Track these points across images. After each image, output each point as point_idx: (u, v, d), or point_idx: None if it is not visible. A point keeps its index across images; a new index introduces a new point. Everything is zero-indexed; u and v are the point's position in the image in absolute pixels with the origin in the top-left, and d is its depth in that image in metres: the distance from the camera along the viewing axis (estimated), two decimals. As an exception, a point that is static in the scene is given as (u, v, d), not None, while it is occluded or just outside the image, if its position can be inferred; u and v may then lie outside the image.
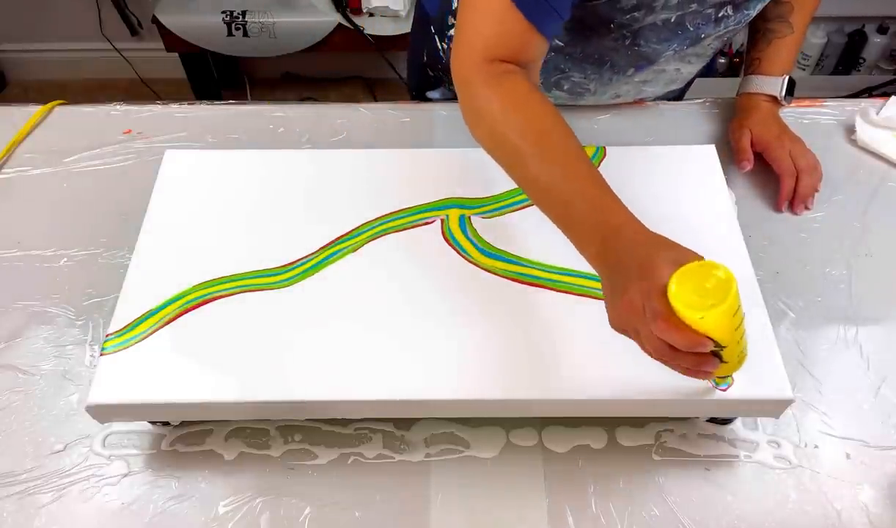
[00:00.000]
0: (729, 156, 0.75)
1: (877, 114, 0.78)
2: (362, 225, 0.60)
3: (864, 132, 0.78)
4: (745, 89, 0.79)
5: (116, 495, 0.54)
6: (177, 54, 1.79)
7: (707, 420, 0.58)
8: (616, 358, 0.52)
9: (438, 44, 0.85)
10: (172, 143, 0.79)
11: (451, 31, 0.83)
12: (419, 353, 0.52)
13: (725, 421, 0.57)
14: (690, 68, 0.77)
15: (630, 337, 0.46)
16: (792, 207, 0.73)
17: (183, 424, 0.58)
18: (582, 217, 0.50)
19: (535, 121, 0.54)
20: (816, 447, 0.56)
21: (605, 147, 0.66)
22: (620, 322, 0.46)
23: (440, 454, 0.56)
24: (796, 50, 0.77)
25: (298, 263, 0.58)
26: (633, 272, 0.45)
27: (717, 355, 0.43)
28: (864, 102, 0.82)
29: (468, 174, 0.64)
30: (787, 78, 0.76)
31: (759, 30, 0.78)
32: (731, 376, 0.50)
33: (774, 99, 0.76)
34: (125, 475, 0.55)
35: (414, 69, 0.94)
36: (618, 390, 0.51)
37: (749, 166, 0.74)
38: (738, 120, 0.77)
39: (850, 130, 0.80)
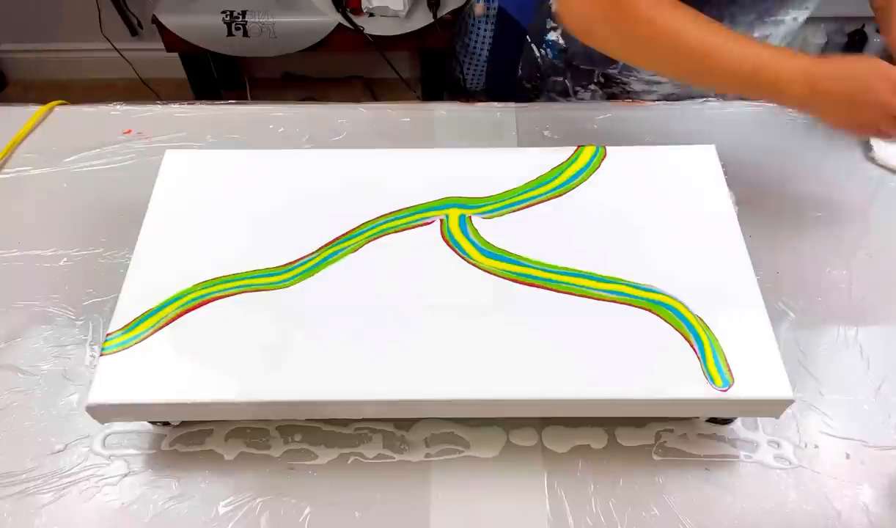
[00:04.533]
0: (729, 156, 0.75)
1: None
2: (362, 225, 0.60)
3: (881, 150, 0.77)
4: None
5: (116, 495, 0.54)
6: (177, 54, 1.79)
7: (707, 420, 0.58)
8: (616, 358, 0.52)
9: (537, 52, 0.86)
10: (172, 143, 0.80)
11: (550, 35, 0.84)
12: (419, 353, 0.52)
13: (725, 421, 0.57)
14: (803, 14, 0.78)
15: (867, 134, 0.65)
16: None
17: (183, 424, 0.58)
18: (780, 67, 0.60)
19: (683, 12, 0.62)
20: (816, 447, 0.56)
21: (605, 147, 0.66)
22: (864, 126, 0.62)
23: (440, 454, 0.56)
24: None
25: (298, 263, 0.58)
26: (865, 81, 0.59)
27: None
28: None
29: (468, 174, 0.64)
30: None
31: None
32: (731, 376, 0.50)
33: None
34: (125, 475, 0.55)
35: (497, 83, 0.95)
36: (618, 390, 0.51)
37: None
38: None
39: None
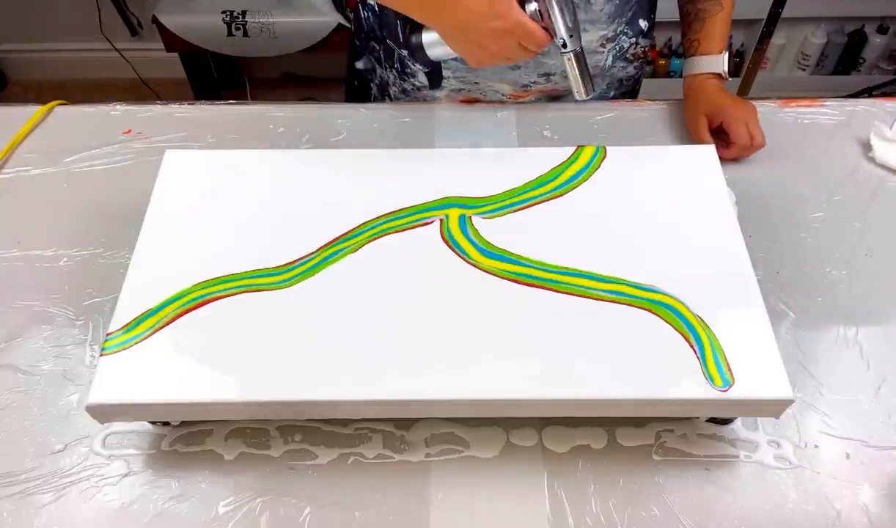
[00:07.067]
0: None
1: (890, 129, 0.77)
2: (362, 225, 0.60)
3: (881, 149, 0.77)
4: (689, 71, 0.81)
5: (116, 495, 0.54)
6: (177, 54, 1.79)
7: (707, 420, 0.58)
8: (616, 358, 0.52)
9: (362, 12, 0.87)
10: (172, 143, 0.80)
11: None
12: (419, 353, 0.52)
13: (725, 421, 0.57)
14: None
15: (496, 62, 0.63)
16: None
17: (183, 424, 0.58)
18: None
19: None
20: (816, 446, 0.56)
21: (605, 147, 0.66)
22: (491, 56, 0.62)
23: (440, 454, 0.56)
24: (729, 24, 0.81)
25: (298, 263, 0.58)
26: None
27: None
28: (873, 111, 0.82)
29: (468, 174, 0.64)
30: (727, 53, 0.79)
31: (691, 13, 0.82)
32: (731, 376, 0.50)
33: (719, 76, 0.79)
34: (125, 475, 0.55)
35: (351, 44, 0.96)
36: (618, 391, 0.51)
37: None
38: (691, 108, 0.79)
39: (850, 130, 0.80)
